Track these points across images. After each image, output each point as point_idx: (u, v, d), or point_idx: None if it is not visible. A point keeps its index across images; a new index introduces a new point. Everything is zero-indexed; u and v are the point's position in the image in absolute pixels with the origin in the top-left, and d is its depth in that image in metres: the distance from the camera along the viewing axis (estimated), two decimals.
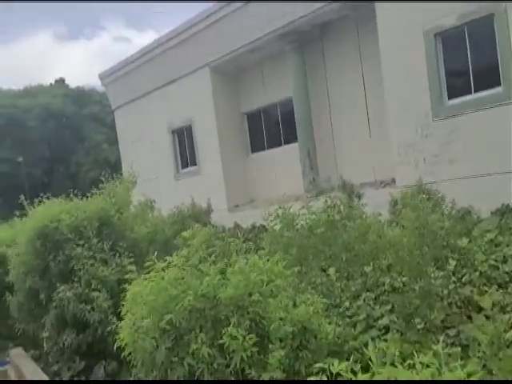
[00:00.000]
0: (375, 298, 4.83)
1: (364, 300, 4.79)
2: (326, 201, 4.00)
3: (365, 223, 3.77)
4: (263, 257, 3.15)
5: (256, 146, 13.65)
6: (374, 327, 4.13)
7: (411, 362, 1.67)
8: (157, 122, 14.70)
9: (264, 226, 4.52)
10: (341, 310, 4.51)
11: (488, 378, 3.05)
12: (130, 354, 2.91)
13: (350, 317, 4.47)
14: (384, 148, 9.48)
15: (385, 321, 4.15)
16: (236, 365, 2.44)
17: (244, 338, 2.42)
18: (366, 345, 3.67)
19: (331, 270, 4.40)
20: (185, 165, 14.48)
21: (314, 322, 2.52)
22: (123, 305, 3.07)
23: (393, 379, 1.63)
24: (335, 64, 11.14)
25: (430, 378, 1.55)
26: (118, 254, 5.23)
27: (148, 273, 3.07)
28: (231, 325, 2.53)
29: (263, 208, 4.46)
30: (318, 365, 1.79)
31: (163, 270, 3.05)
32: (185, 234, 3.72)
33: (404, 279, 4.25)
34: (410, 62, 8.59)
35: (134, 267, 3.55)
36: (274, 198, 4.81)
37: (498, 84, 7.72)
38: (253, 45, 11.59)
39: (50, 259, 5.23)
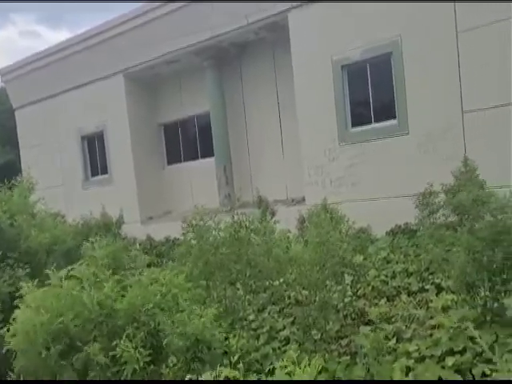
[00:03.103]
0: (279, 311, 5.08)
1: (269, 313, 5.01)
2: (233, 217, 4.17)
3: (271, 239, 3.98)
4: (170, 269, 3.21)
5: (172, 158, 13.56)
6: (276, 339, 4.33)
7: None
8: (64, 126, 13.91)
9: (178, 239, 4.55)
10: (246, 322, 4.68)
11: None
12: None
13: (254, 329, 4.64)
14: (296, 167, 10.02)
15: (286, 332, 4.39)
16: (127, 375, 2.48)
17: (136, 349, 2.47)
18: (266, 356, 3.88)
19: (239, 284, 4.56)
20: (95, 173, 13.85)
21: (208, 333, 2.63)
22: (14, 319, 2.92)
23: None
24: (252, 83, 11.59)
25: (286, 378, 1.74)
26: (9, 266, 4.87)
27: (44, 284, 2.97)
28: (124, 336, 2.56)
29: (177, 221, 4.50)
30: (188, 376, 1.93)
31: (60, 280, 2.98)
32: (87, 244, 3.65)
33: (306, 293, 4.54)
34: (320, 88, 9.26)
35: (27, 279, 3.39)
36: (190, 211, 4.86)
37: (394, 117, 8.63)
38: (169, 56, 11.59)
39: None
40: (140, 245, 8.08)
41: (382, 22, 8.51)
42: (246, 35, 10.72)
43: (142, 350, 2.51)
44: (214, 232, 4.12)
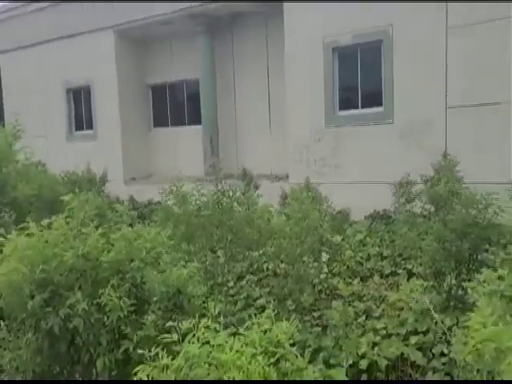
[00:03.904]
0: (257, 281, 5.27)
1: (247, 282, 5.20)
2: (217, 185, 4.27)
3: (254, 210, 4.10)
4: (154, 231, 3.30)
5: (159, 121, 13.40)
6: (253, 306, 4.53)
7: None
8: (50, 76, 13.47)
9: (160, 203, 4.63)
10: (225, 288, 4.86)
11: (337, 352, 3.62)
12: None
13: (232, 295, 4.82)
14: (282, 144, 10.10)
15: (262, 301, 4.58)
16: (112, 322, 2.60)
17: (121, 298, 2.59)
18: (242, 320, 4.06)
19: (220, 252, 4.71)
20: (79, 127, 13.58)
21: (189, 286, 2.77)
22: None
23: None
24: (243, 55, 11.47)
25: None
26: None
27: (28, 234, 3.02)
28: (109, 286, 2.67)
29: (161, 184, 4.56)
30: (168, 323, 2.08)
31: (45, 228, 3.04)
32: (68, 197, 3.66)
33: (284, 266, 4.72)
34: (310, 69, 9.27)
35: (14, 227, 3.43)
36: (174, 175, 4.92)
37: (381, 104, 8.76)
38: (162, 17, 11.28)
39: None
40: (124, 203, 8.08)
41: (376, 10, 8.51)
42: (241, 5, 10.53)
43: (126, 299, 2.64)
44: (196, 197, 4.21)
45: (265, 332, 2.06)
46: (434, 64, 8.11)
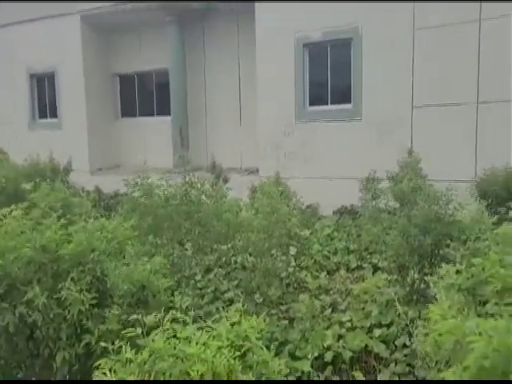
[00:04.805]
0: (225, 274, 5.25)
1: (215, 275, 5.17)
2: (185, 177, 4.22)
3: (222, 203, 4.08)
4: (116, 220, 3.23)
5: (127, 110, 13.09)
6: (220, 299, 4.51)
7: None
8: (12, 60, 12.93)
9: (127, 195, 4.52)
10: (192, 282, 4.82)
11: (303, 344, 3.66)
12: None
13: (200, 289, 4.79)
14: (252, 138, 10.09)
15: (230, 294, 4.57)
16: (73, 316, 2.54)
17: (81, 292, 2.54)
18: (209, 313, 4.04)
19: (188, 245, 4.66)
20: (43, 115, 13.09)
21: (154, 281, 2.73)
22: None
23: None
24: (214, 47, 11.36)
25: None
26: None
27: None
28: (69, 279, 2.60)
29: (128, 175, 4.46)
30: (132, 317, 2.04)
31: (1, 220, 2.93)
32: (27, 186, 3.53)
33: (253, 259, 4.73)
34: (281, 64, 9.29)
35: None
36: (141, 166, 4.82)
37: (350, 102, 8.89)
38: (131, 5, 10.98)
39: None
40: (87, 193, 7.84)
41: (347, 8, 8.61)
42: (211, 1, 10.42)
43: (86, 293, 2.58)
44: (163, 188, 4.14)
45: (233, 325, 2.05)
46: (402, 64, 8.28)
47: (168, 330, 1.85)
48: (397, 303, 3.97)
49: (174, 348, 1.82)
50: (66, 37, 11.92)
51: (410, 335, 3.66)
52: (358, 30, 8.58)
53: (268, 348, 3.74)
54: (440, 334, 1.44)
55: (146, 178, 4.01)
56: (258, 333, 2.05)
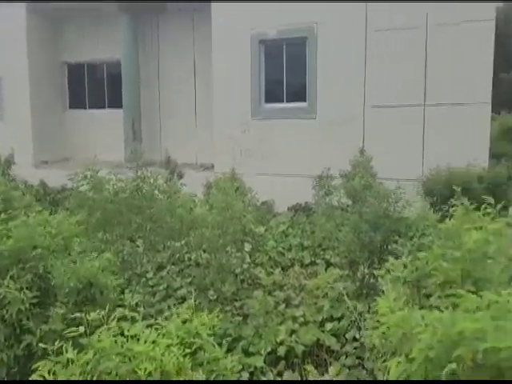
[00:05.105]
0: (179, 271, 5.15)
1: (168, 272, 5.06)
2: (137, 172, 4.10)
3: (176, 199, 4.00)
4: (61, 215, 3.09)
5: (76, 102, 12.55)
6: (173, 297, 4.43)
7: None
8: None
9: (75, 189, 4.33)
10: (143, 279, 4.69)
11: (257, 340, 3.66)
12: None
13: (151, 286, 4.67)
14: (208, 133, 10.00)
15: (183, 291, 4.49)
16: (12, 316, 2.41)
17: (21, 290, 2.41)
18: (160, 311, 3.95)
19: (140, 241, 4.53)
20: None
21: (101, 278, 2.64)
22: None
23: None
24: (169, 41, 11.16)
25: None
26: None
27: None
28: (8, 277, 2.47)
29: (76, 169, 4.27)
30: (75, 315, 1.97)
31: None
32: None
33: (207, 255, 4.67)
34: (237, 60, 9.26)
35: None
36: (91, 160, 4.62)
37: (305, 100, 9.01)
38: None
39: None
40: (29, 187, 7.45)
41: (303, 7, 8.71)
42: None
43: (27, 291, 2.45)
44: (113, 182, 3.99)
45: (184, 322, 2.00)
46: (355, 64, 8.49)
47: (114, 328, 1.78)
48: (345, 297, 4.07)
49: (121, 346, 1.75)
50: (10, 23, 11.25)
51: (360, 328, 3.76)
52: (313, 29, 8.70)
53: (221, 345, 3.71)
54: (388, 327, 1.48)
55: (94, 172, 3.85)
56: (210, 329, 2.02)
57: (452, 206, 2.45)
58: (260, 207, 7.51)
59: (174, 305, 4.16)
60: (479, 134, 7.83)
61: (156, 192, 3.94)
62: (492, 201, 2.16)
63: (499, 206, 2.14)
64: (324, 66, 8.69)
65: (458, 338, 1.24)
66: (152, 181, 3.93)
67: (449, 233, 2.12)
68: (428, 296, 1.85)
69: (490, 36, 7.67)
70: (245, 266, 5.39)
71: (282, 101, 9.29)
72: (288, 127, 9.09)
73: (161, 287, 4.56)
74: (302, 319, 4.11)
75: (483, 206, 2.16)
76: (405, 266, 2.04)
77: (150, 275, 4.85)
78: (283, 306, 4.36)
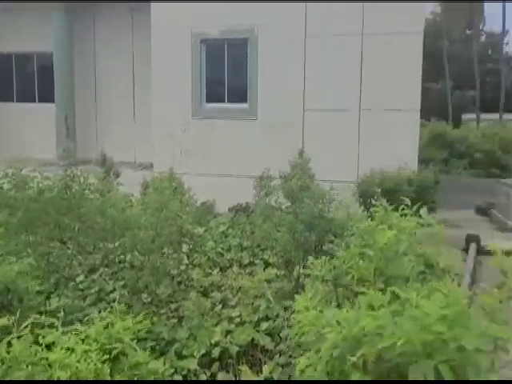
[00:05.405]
0: (112, 274, 4.96)
1: (100, 275, 4.85)
2: (66, 170, 3.91)
3: (108, 198, 3.85)
4: None
5: (2, 94, 11.76)
6: (105, 300, 4.25)
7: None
8: None
9: (2, 188, 4.02)
10: (73, 283, 4.46)
11: (191, 342, 3.61)
12: None
13: (82, 290, 4.46)
14: (147, 132, 9.76)
15: (116, 294, 4.32)
16: None
17: None
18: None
19: (70, 243, 4.31)
20: None
21: (21, 283, 2.47)
22: None
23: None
24: (106, 36, 10.81)
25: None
26: None
27: None
28: None
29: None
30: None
31: None
32: None
33: (142, 257, 4.54)
34: (177, 58, 9.15)
35: None
36: (17, 157, 4.34)
37: (246, 101, 9.08)
38: None
39: None
40: None
41: (244, 8, 8.77)
42: None
43: None
44: (37, 181, 3.76)
45: (106, 327, 1.92)
46: (295, 67, 8.66)
47: (27, 335, 1.67)
48: (270, 297, 4.14)
49: (35, 355, 1.65)
50: None
51: (289, 327, 3.83)
52: (254, 31, 8.76)
53: (154, 348, 3.60)
54: (301, 326, 1.51)
55: (17, 170, 3.60)
56: (134, 334, 1.95)
57: (373, 207, 2.55)
58: (199, 208, 7.43)
59: (106, 309, 4.00)
60: (409, 139, 8.28)
61: (87, 191, 3.77)
62: (409, 202, 2.28)
63: (415, 207, 2.27)
64: (265, 67, 8.79)
65: (360, 335, 1.28)
66: (82, 179, 3.74)
67: (366, 232, 2.21)
68: (345, 294, 1.91)
69: (419, 47, 8.15)
70: (182, 267, 5.31)
71: (223, 101, 9.28)
72: (229, 127, 9.09)
73: (92, 291, 4.36)
74: (238, 319, 4.11)
75: (400, 206, 2.27)
76: (323, 265, 2.10)
77: (80, 278, 4.63)
78: (220, 306, 4.34)
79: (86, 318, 1.94)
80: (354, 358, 1.25)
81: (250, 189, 6.40)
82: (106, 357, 1.66)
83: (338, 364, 1.29)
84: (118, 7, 10.46)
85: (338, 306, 1.73)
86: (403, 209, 2.26)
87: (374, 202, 2.94)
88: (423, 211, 2.22)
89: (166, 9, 9.09)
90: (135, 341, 1.89)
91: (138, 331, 2.02)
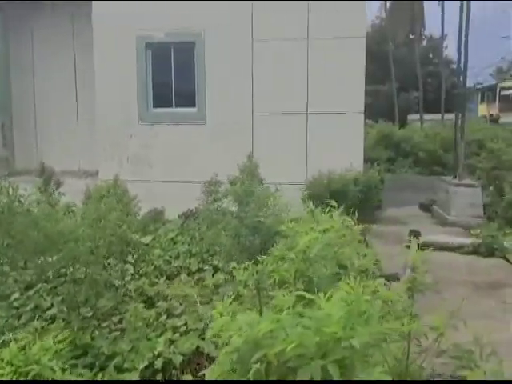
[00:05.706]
0: (50, 289, 4.74)
1: (38, 291, 4.63)
2: None
3: (42, 210, 3.68)
4: None
5: None
6: (41, 317, 4.05)
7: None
8: None
9: None
10: (7, 301, 4.23)
11: (133, 355, 3.51)
12: None
13: (17, 308, 4.23)
14: (92, 139, 9.45)
15: (53, 311, 4.14)
16: None
17: None
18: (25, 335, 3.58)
19: (1, 260, 4.07)
20: None
21: None
22: None
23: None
24: (44, 41, 10.37)
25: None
26: None
27: None
28: None
29: None
30: None
31: None
32: None
33: (83, 270, 4.36)
34: (122, 62, 8.95)
35: None
36: None
37: (194, 105, 9.02)
38: None
39: None
40: None
41: (191, 12, 8.72)
42: None
43: None
44: None
45: (22, 349, 1.82)
46: (243, 72, 8.70)
47: None
48: (198, 302, 4.11)
49: None
50: None
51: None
52: (200, 35, 8.72)
53: (93, 365, 3.46)
54: (215, 333, 1.50)
55: None
56: (55, 353, 1.86)
57: (332, 207, 2.58)
58: (146, 215, 7.28)
59: (42, 327, 3.81)
60: (355, 140, 8.52)
61: (16, 204, 3.57)
62: (335, 203, 2.33)
63: (341, 208, 2.32)
64: (212, 72, 8.77)
65: (260, 339, 1.29)
66: (11, 191, 3.55)
67: (290, 235, 2.23)
68: (268, 297, 1.93)
69: (362, 51, 8.41)
70: (127, 277, 5.16)
71: (171, 105, 9.16)
72: (178, 132, 8.99)
73: (27, 308, 4.15)
74: (183, 328, 4.04)
75: (327, 207, 2.32)
76: (245, 270, 2.11)
77: (16, 296, 4.39)
78: (164, 316, 4.25)
79: (1, 341, 1.83)
80: (256, 365, 1.25)
81: (199, 194, 6.35)
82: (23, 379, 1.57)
83: (240, 368, 1.29)
84: (58, 10, 10.08)
85: (261, 310, 1.73)
86: (329, 210, 2.30)
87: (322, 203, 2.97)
88: (335, 213, 2.27)
89: (108, 11, 8.86)
90: (73, 359, 1.81)
91: (60, 350, 1.93)
